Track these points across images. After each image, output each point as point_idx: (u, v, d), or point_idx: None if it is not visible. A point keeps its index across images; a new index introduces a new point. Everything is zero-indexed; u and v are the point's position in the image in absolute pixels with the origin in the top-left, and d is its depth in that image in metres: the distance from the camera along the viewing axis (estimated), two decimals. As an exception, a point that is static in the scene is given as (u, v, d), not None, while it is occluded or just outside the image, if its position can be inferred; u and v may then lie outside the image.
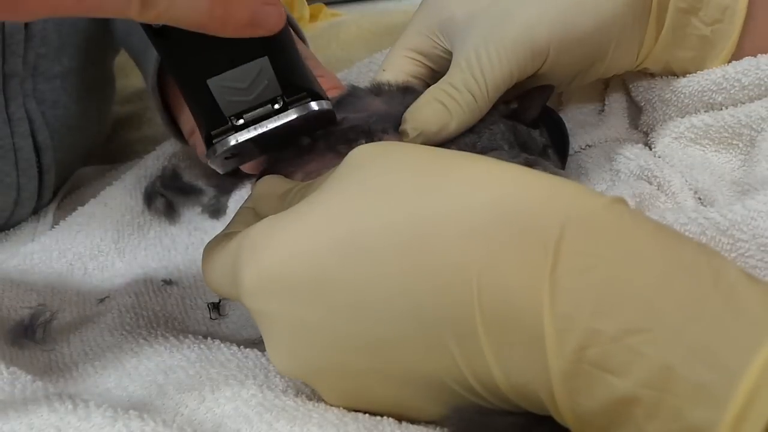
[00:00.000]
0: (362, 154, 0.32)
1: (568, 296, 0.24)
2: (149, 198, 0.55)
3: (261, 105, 0.34)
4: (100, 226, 0.53)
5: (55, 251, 0.51)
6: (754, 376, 0.22)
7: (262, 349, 0.34)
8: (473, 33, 0.43)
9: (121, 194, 0.55)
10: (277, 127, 0.34)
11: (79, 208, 0.54)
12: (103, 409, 0.28)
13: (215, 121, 0.34)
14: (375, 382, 0.29)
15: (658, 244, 0.25)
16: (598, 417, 0.24)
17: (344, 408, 0.30)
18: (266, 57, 0.33)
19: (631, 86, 0.54)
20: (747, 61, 0.47)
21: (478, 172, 0.29)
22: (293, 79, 0.34)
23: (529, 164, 0.40)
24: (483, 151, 0.41)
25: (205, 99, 0.34)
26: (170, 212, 0.55)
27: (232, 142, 0.34)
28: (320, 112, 0.35)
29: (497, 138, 0.43)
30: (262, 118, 0.34)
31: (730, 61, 0.49)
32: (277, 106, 0.34)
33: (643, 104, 0.53)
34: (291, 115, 0.34)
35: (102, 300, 0.46)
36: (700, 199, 0.47)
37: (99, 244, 0.52)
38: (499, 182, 0.28)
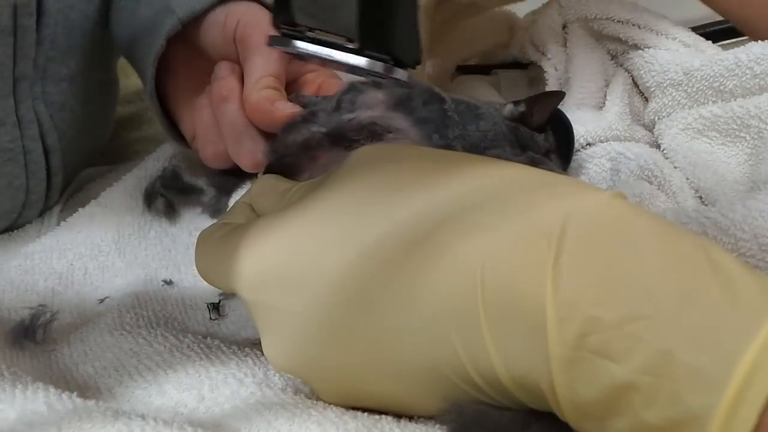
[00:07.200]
0: (363, 155, 0.32)
1: (570, 286, 0.25)
2: (149, 198, 0.55)
3: (335, 34, 0.34)
4: (101, 226, 0.53)
5: (56, 252, 0.51)
6: (751, 359, 0.22)
7: (262, 349, 0.34)
8: None
9: (121, 195, 0.55)
10: (343, 63, 0.34)
11: (80, 209, 0.55)
12: (103, 409, 0.28)
13: (285, 18, 0.34)
14: (373, 377, 0.29)
15: (656, 235, 0.26)
16: (597, 406, 0.24)
17: (341, 406, 0.30)
18: None
19: (642, 72, 0.53)
20: (760, 48, 0.47)
21: (480, 169, 0.29)
22: (376, 33, 0.34)
23: (534, 163, 0.40)
24: (484, 149, 0.41)
25: None
26: (170, 212, 0.55)
27: (298, 47, 0.35)
28: (389, 77, 0.35)
29: (499, 139, 0.42)
30: (335, 46, 0.34)
31: None
32: (350, 45, 0.34)
33: (653, 89, 0.52)
34: (360, 62, 0.34)
35: (102, 300, 0.46)
36: (701, 198, 0.47)
37: (99, 245, 0.52)
38: (502, 179, 0.28)
